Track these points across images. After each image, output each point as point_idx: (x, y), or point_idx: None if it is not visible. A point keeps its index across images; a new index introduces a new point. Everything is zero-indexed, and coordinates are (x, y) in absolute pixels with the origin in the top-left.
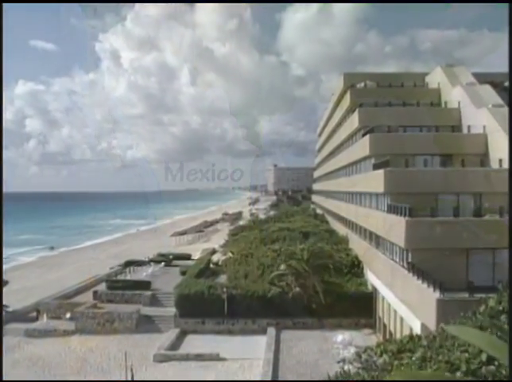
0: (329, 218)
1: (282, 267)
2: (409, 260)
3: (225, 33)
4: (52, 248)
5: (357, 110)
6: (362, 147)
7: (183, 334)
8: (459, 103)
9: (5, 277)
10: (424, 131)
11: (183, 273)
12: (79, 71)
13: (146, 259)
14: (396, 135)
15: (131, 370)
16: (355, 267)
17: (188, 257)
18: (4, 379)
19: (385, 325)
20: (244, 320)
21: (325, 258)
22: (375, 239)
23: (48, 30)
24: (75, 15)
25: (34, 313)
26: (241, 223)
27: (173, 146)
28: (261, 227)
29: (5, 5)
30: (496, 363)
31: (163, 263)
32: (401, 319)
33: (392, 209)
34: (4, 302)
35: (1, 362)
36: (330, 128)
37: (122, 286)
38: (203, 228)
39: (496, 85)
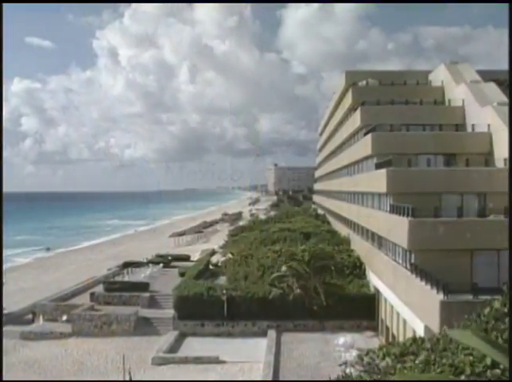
0: (330, 218)
1: (283, 268)
2: (412, 261)
3: (225, 30)
4: (48, 249)
5: (359, 108)
6: (364, 146)
7: (182, 337)
8: (463, 101)
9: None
10: (428, 130)
11: (182, 274)
12: (76, 68)
13: (144, 260)
14: (398, 134)
15: (129, 373)
16: (357, 269)
17: (186, 258)
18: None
19: (387, 328)
20: (244, 322)
21: (326, 259)
22: (377, 240)
23: (45, 27)
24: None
25: (30, 316)
26: (241, 223)
27: (172, 145)
28: (261, 227)
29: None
30: (501, 366)
31: (161, 264)
32: (404, 321)
33: (394, 209)
34: None
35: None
36: (331, 127)
37: (119, 287)
38: (202, 229)
39: (501, 83)
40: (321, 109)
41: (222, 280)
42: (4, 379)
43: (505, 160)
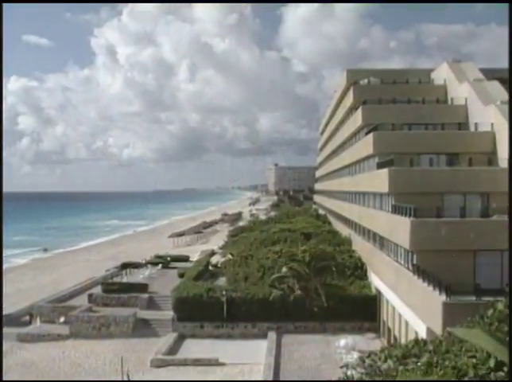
0: (332, 219)
1: (283, 269)
2: (414, 262)
3: (224, 27)
4: (45, 250)
5: (360, 107)
6: (365, 146)
7: (181, 338)
8: (466, 99)
9: None
10: (430, 129)
11: (181, 275)
12: (74, 67)
13: (143, 261)
14: (400, 133)
15: (127, 375)
16: (359, 269)
17: (186, 259)
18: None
19: (389, 329)
20: (244, 324)
21: (327, 260)
22: (379, 241)
23: (42, 25)
24: (70, 9)
25: (27, 317)
26: (241, 224)
27: (171, 144)
28: (261, 228)
29: None
30: (505, 368)
31: (160, 265)
32: (406, 323)
33: (396, 210)
34: None
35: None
36: (332, 126)
37: (118, 288)
38: (201, 229)
39: (505, 81)
40: (322, 108)
41: (221, 281)
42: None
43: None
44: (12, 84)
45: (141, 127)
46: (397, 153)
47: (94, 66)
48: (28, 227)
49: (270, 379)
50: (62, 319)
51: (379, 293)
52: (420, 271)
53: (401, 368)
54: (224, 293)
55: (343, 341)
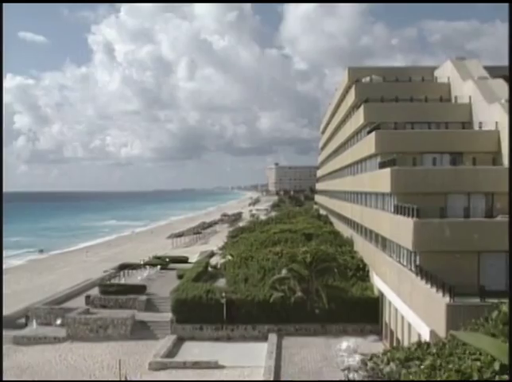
0: (333, 219)
1: (284, 270)
2: (417, 263)
3: (224, 25)
4: (41, 251)
5: (362, 106)
6: (367, 145)
7: (180, 341)
8: (470, 98)
9: None
10: (433, 128)
11: (180, 277)
12: (71, 64)
13: (141, 262)
14: (403, 132)
15: (125, 379)
16: (361, 271)
17: (185, 260)
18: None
19: (392, 332)
20: (244, 326)
21: (329, 261)
22: (381, 242)
23: (38, 21)
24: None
25: (23, 320)
26: (240, 224)
27: (170, 143)
28: (261, 228)
29: None
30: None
31: (159, 267)
32: (409, 325)
33: (399, 210)
34: None
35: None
36: (334, 125)
37: (115, 290)
38: (201, 230)
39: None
40: (323, 106)
41: (221, 282)
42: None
43: None
44: (8, 82)
45: (140, 126)
46: (399, 153)
47: (91, 64)
48: (24, 227)
49: None
50: (59, 321)
51: (381, 294)
52: (424, 273)
53: (403, 371)
54: (224, 294)
55: (345, 343)
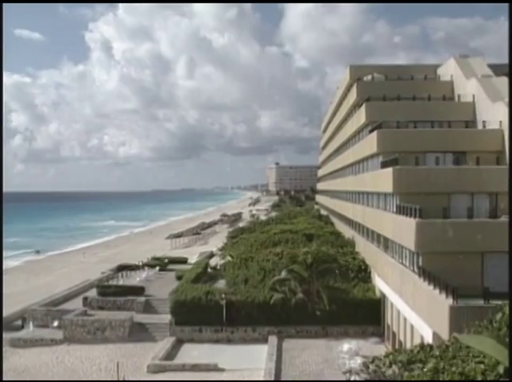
0: (334, 219)
1: (284, 271)
2: (420, 264)
3: (224, 22)
4: (37, 252)
5: (364, 104)
6: (369, 144)
7: (179, 343)
8: (473, 96)
9: None
10: (436, 127)
11: (179, 278)
12: (68, 62)
13: (140, 263)
14: (405, 131)
15: (124, 380)
16: (362, 272)
17: (184, 261)
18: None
19: (394, 334)
20: (244, 328)
21: (330, 262)
22: (383, 242)
23: (35, 19)
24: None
25: (19, 321)
26: (240, 224)
27: (169, 142)
28: (261, 229)
29: None
30: None
31: (158, 268)
32: (412, 327)
33: (401, 210)
34: None
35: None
36: (335, 124)
37: (113, 291)
38: (200, 230)
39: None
40: (324, 105)
41: (221, 284)
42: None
43: None
44: (3, 80)
45: (138, 125)
46: (401, 152)
47: (89, 62)
48: (20, 228)
49: None
50: (56, 323)
51: (383, 296)
52: (426, 274)
53: (406, 373)
54: (223, 296)
55: (346, 345)
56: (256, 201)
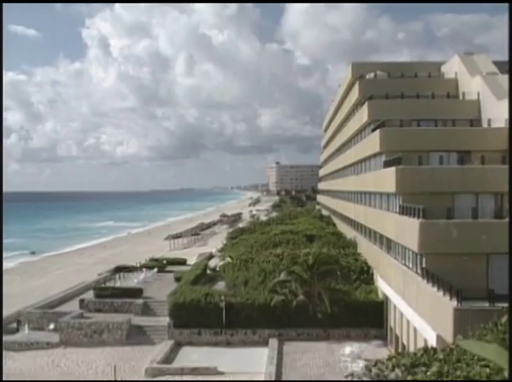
0: (336, 220)
1: (285, 273)
2: (424, 266)
3: (223, 19)
4: (33, 253)
5: (366, 102)
6: (371, 143)
7: (177, 346)
8: (478, 94)
9: None
10: (440, 125)
11: (177, 279)
12: (64, 60)
13: (138, 265)
14: (409, 130)
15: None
16: (364, 274)
17: (183, 262)
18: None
19: (397, 337)
20: (244, 330)
21: (331, 263)
22: (386, 243)
23: (30, 15)
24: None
25: (14, 324)
26: (240, 225)
27: (167, 141)
28: (262, 229)
29: None
30: None
31: (156, 269)
32: (415, 330)
33: (404, 210)
34: None
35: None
36: (337, 122)
37: (111, 293)
38: (199, 231)
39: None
40: (326, 103)
41: (220, 286)
42: None
43: None
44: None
45: (136, 124)
46: (405, 151)
47: (85, 59)
48: (16, 229)
49: None
50: (52, 326)
51: (386, 298)
52: (430, 275)
53: (409, 377)
54: (223, 298)
55: (348, 348)
56: (256, 201)
